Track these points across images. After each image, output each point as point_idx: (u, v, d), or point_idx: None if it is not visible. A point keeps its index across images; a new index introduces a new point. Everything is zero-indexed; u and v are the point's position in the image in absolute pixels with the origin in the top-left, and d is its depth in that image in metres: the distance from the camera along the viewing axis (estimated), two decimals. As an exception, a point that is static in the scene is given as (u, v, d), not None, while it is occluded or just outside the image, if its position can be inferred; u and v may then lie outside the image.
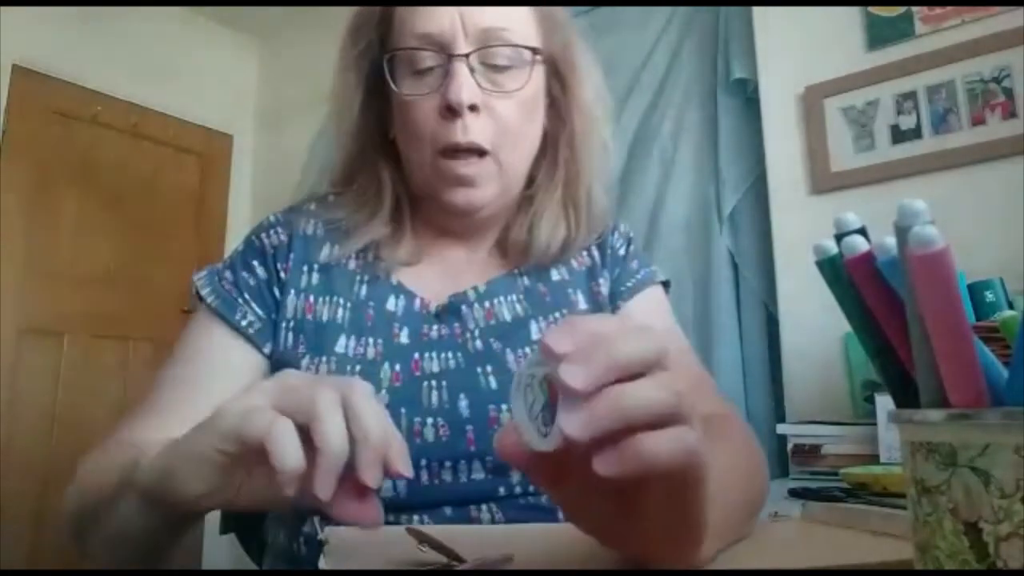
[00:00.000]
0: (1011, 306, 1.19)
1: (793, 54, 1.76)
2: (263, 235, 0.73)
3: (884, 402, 1.20)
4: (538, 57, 0.69)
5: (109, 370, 2.70)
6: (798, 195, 1.71)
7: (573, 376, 0.29)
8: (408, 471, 0.39)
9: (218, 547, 2.68)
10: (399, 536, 0.44)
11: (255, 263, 0.71)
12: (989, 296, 1.18)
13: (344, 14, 0.75)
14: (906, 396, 0.28)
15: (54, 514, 2.46)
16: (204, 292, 0.69)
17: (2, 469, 2.38)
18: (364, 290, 0.70)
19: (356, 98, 0.71)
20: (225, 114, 3.23)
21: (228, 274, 0.70)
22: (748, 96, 1.89)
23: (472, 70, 0.65)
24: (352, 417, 0.37)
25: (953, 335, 0.25)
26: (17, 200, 2.55)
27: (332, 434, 0.36)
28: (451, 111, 0.64)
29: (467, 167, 0.66)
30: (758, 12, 1.83)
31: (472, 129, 0.65)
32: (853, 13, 1.68)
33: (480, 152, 0.66)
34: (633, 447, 0.29)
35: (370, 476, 0.37)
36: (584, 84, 0.74)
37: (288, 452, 0.36)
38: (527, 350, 0.68)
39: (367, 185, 0.73)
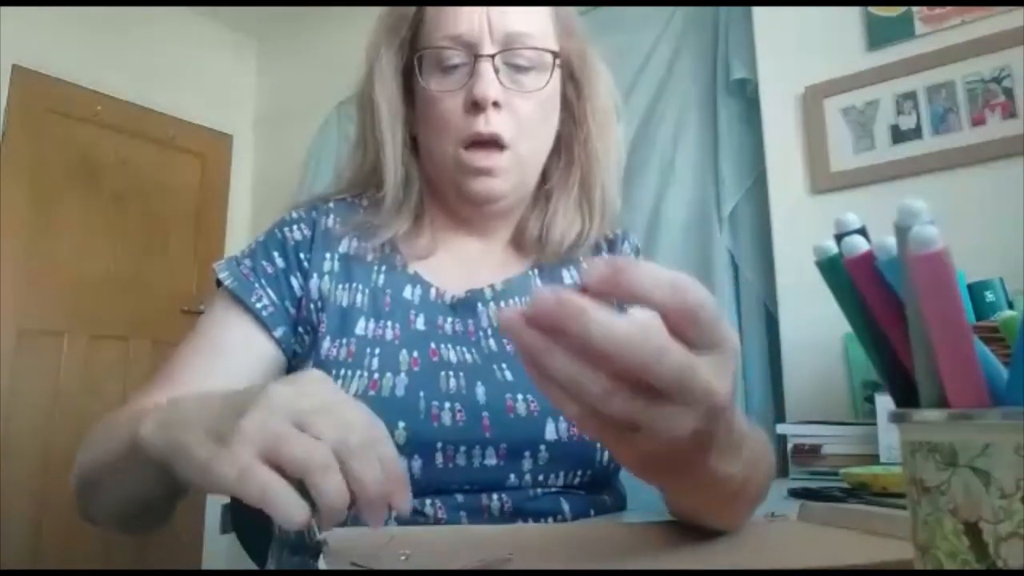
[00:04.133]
0: (1011, 306, 1.19)
1: (793, 54, 1.75)
2: (286, 229, 0.76)
3: (884, 402, 1.20)
4: (558, 60, 0.75)
5: (109, 370, 2.70)
6: (798, 195, 1.71)
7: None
8: (406, 508, 0.40)
9: (218, 547, 2.68)
10: (400, 536, 0.43)
11: (275, 253, 0.75)
12: (989, 296, 1.18)
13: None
14: (906, 396, 0.28)
15: (53, 514, 2.46)
16: (222, 276, 0.72)
17: (2, 469, 2.38)
18: (382, 279, 0.74)
19: (396, 94, 0.77)
20: (225, 114, 3.23)
21: (247, 261, 0.74)
22: (748, 96, 1.89)
23: (496, 70, 0.71)
24: (348, 473, 0.37)
25: (953, 335, 0.25)
26: (17, 200, 2.55)
27: (328, 494, 0.36)
28: (476, 106, 0.70)
29: (487, 159, 0.72)
30: (758, 12, 1.83)
31: (494, 121, 0.71)
32: (853, 13, 1.68)
33: (500, 145, 0.72)
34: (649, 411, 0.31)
35: (372, 520, 0.39)
36: (599, 89, 0.80)
37: (290, 511, 0.36)
38: None
39: (392, 179, 0.76)
